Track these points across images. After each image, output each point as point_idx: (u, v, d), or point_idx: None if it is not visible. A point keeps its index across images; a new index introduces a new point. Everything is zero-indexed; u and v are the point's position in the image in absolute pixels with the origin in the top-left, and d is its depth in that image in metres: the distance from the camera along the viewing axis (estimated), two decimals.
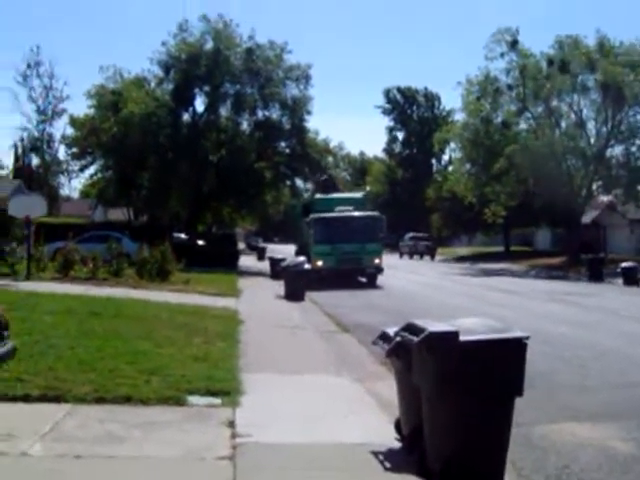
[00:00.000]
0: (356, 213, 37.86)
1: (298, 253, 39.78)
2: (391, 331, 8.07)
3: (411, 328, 7.25)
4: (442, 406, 6.80)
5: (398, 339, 7.50)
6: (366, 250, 35.96)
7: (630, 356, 14.95)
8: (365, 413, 9.83)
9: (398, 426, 8.34)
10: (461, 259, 75.58)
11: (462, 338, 6.66)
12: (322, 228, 36.43)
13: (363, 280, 37.02)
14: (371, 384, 11.76)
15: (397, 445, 8.10)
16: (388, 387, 11.24)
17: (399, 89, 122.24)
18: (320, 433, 8.61)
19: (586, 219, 65.28)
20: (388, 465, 7.46)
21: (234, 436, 8.23)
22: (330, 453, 7.86)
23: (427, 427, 7.03)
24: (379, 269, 36.40)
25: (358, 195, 48.24)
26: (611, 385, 12.04)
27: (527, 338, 6.84)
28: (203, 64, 54.41)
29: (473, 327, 6.97)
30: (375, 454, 7.77)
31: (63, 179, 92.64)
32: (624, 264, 38.65)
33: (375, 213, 39.72)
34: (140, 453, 7.56)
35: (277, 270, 34.80)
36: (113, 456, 7.41)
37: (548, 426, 9.26)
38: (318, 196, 44.54)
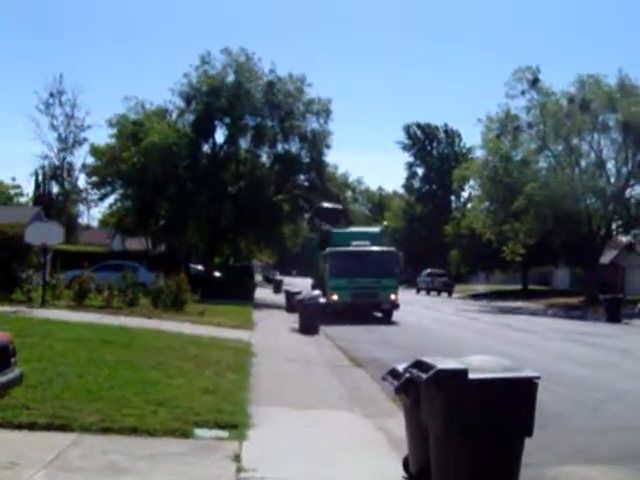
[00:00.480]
0: (373, 248, 37.35)
1: (315, 286, 39.32)
2: (401, 367, 7.97)
3: (420, 365, 7.16)
4: (449, 445, 6.69)
5: (407, 376, 7.41)
6: (382, 285, 35.58)
7: None
8: (374, 451, 9.70)
9: (406, 464, 8.22)
10: (478, 296, 75.25)
11: (471, 376, 6.55)
12: (338, 262, 36.02)
13: (379, 315, 36.55)
14: (382, 420, 11.63)
15: None
16: (398, 424, 11.06)
17: (419, 125, 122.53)
18: (327, 471, 8.49)
19: (605, 259, 64.95)
20: None
21: (239, 470, 8.12)
22: None
23: (434, 465, 6.92)
24: (395, 305, 36.01)
25: (375, 229, 47.59)
26: (625, 428, 11.84)
27: (538, 378, 6.73)
28: (224, 96, 54.62)
29: (483, 365, 6.86)
30: None
31: (82, 208, 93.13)
32: None
33: (392, 248, 39.14)
34: None
35: (292, 303, 34.67)
36: None
37: (559, 468, 9.09)
38: (335, 229, 43.29)
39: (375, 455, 9.42)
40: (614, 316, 40.17)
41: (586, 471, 9.06)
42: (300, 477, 8.12)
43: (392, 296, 35.80)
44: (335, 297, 35.21)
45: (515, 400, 6.69)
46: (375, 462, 9.04)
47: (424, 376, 6.75)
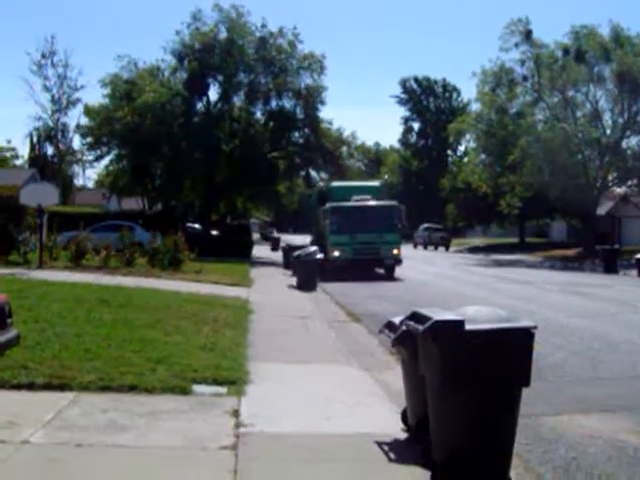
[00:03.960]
0: (374, 202, 36.39)
1: (314, 243, 37.85)
2: (397, 320, 7.98)
3: (417, 317, 7.14)
4: (447, 396, 6.68)
5: (404, 328, 7.40)
6: (384, 240, 34.76)
7: None
8: (372, 403, 9.73)
9: (404, 417, 8.26)
10: (475, 250, 75.32)
11: (468, 327, 6.53)
12: (339, 217, 35.21)
13: (381, 272, 36.06)
14: (379, 373, 11.69)
15: (403, 436, 8.03)
16: (396, 377, 11.14)
17: (416, 79, 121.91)
18: (325, 423, 8.53)
19: (601, 210, 64.94)
20: (392, 456, 7.36)
21: (238, 426, 8.16)
22: (334, 443, 7.77)
23: (432, 417, 6.92)
24: (398, 260, 35.28)
25: (376, 183, 46.56)
26: (622, 377, 11.90)
27: (534, 328, 6.70)
28: (217, 53, 54.30)
29: (479, 316, 6.83)
30: (380, 444, 7.68)
31: (78, 169, 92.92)
32: (638, 255, 38.39)
33: (394, 202, 38.05)
34: (142, 442, 7.49)
35: (290, 260, 34.43)
36: (115, 445, 7.36)
37: (557, 418, 9.13)
38: (335, 184, 42.79)
39: (373, 408, 9.45)
40: (611, 267, 40.25)
41: (583, 420, 9.09)
42: (298, 431, 8.13)
43: (395, 251, 35.11)
44: (336, 253, 34.60)
45: (512, 350, 6.65)
46: (373, 415, 9.07)
47: (420, 328, 6.73)
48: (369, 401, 9.83)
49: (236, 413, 8.65)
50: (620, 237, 66.33)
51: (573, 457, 7.66)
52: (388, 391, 10.38)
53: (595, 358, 13.47)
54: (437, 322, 6.58)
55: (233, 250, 46.26)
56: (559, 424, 8.88)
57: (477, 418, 6.64)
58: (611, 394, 10.71)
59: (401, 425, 8.27)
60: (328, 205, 36.17)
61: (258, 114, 59.19)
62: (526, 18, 58.99)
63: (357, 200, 36.08)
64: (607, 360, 13.34)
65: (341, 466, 7.11)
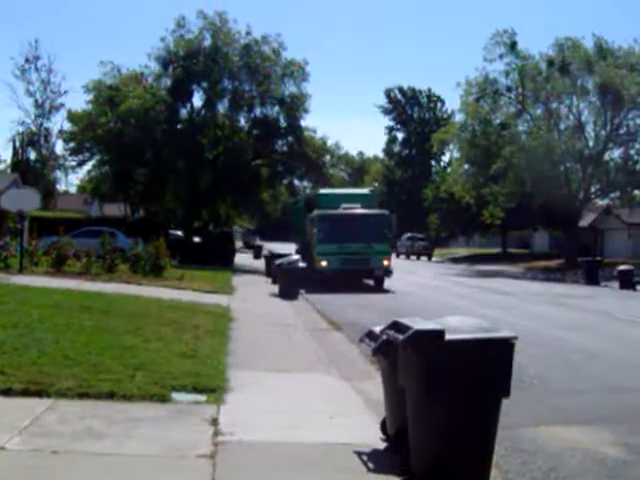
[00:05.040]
0: (364, 210, 34.79)
1: (299, 253, 36.91)
2: (378, 329, 7.96)
3: (397, 326, 7.11)
4: (426, 406, 6.66)
5: (384, 337, 7.38)
6: (374, 250, 33.30)
7: (623, 360, 14.85)
8: (352, 413, 9.69)
9: (384, 426, 8.23)
10: (458, 260, 75.48)
11: (448, 337, 6.52)
12: (327, 226, 33.49)
13: (369, 283, 34.74)
14: (360, 383, 11.64)
15: (382, 445, 7.99)
16: (376, 386, 11.07)
17: (400, 89, 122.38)
18: (305, 433, 8.47)
19: (583, 222, 65.25)
20: (371, 466, 7.32)
21: (217, 434, 8.09)
22: (313, 453, 7.72)
23: (411, 427, 6.90)
24: (388, 271, 33.87)
25: (365, 191, 44.28)
26: (603, 389, 11.90)
27: (515, 338, 6.70)
28: (201, 60, 54.32)
29: (460, 326, 6.83)
30: (359, 454, 7.64)
31: (60, 174, 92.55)
32: (620, 267, 38.64)
33: (384, 211, 36.48)
34: (119, 450, 7.41)
35: (272, 268, 34.18)
36: (91, 452, 7.27)
37: (536, 429, 9.12)
38: (322, 191, 40.83)
39: (353, 418, 9.41)
40: (593, 279, 40.42)
41: (563, 432, 9.07)
42: (278, 440, 8.07)
43: (385, 262, 33.73)
44: (324, 264, 33.16)
45: (492, 361, 6.65)
46: (353, 424, 9.03)
47: (401, 337, 6.71)
48: (349, 411, 9.79)
49: (215, 421, 8.58)
50: (602, 249, 66.65)
51: (552, 468, 7.63)
52: (368, 401, 10.33)
53: (576, 369, 13.49)
54: (417, 332, 6.57)
55: (215, 258, 46.10)
56: (539, 435, 8.86)
57: (456, 428, 6.63)
58: (592, 405, 10.71)
59: (381, 435, 8.23)
60: (315, 213, 34.73)
61: (242, 121, 59.46)
62: (511, 29, 59.18)
63: (346, 208, 34.66)
64: (588, 371, 13.37)
65: (320, 475, 7.06)
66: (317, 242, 33.62)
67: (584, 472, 7.59)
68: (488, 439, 6.78)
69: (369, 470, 7.23)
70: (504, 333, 6.80)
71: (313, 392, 10.90)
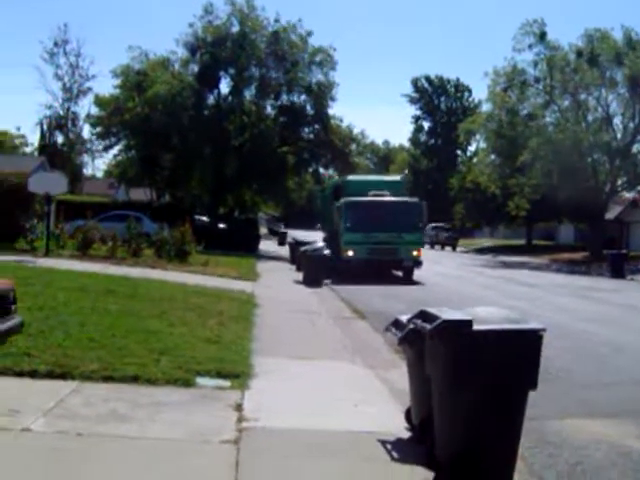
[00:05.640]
0: (393, 198, 33.14)
1: (326, 241, 34.83)
2: (404, 318, 7.89)
3: (424, 316, 7.05)
4: (452, 396, 6.60)
5: (411, 326, 7.32)
6: (404, 240, 31.71)
7: None
8: (376, 401, 9.65)
9: (408, 416, 8.18)
10: (483, 251, 75.16)
11: (476, 327, 6.45)
12: (354, 214, 31.98)
13: (398, 274, 33.22)
14: (384, 372, 11.60)
15: (407, 435, 7.95)
16: (401, 375, 11.03)
17: (427, 78, 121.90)
18: (329, 420, 8.43)
19: (609, 215, 64.75)
20: (395, 455, 7.28)
21: (240, 420, 8.08)
22: (337, 441, 7.68)
23: (437, 417, 6.84)
24: (418, 262, 32.25)
25: (396, 177, 43.06)
26: (629, 382, 11.81)
27: (543, 330, 6.62)
28: (229, 47, 54.43)
29: (488, 317, 6.75)
30: (383, 443, 7.59)
31: (87, 158, 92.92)
32: None
33: (415, 199, 34.75)
34: (143, 434, 7.41)
35: (296, 255, 34.05)
36: (116, 435, 7.27)
37: (562, 421, 9.04)
38: (351, 177, 39.81)
39: (377, 406, 9.37)
40: (618, 271, 40.08)
41: (589, 424, 9.00)
42: (301, 427, 8.04)
43: (415, 252, 32.14)
44: (350, 253, 31.64)
45: (520, 352, 6.57)
46: (377, 413, 8.99)
47: (428, 327, 6.65)
48: (373, 399, 9.75)
49: (239, 407, 8.57)
50: (628, 242, 66.12)
51: (577, 462, 7.57)
52: (393, 389, 10.30)
53: (602, 362, 13.40)
54: (445, 321, 6.50)
55: (240, 244, 46.16)
56: (564, 428, 8.78)
57: (482, 419, 6.57)
58: (618, 399, 10.61)
59: (405, 424, 8.19)
60: (343, 200, 33.07)
61: (268, 109, 59.59)
62: (541, 19, 58.67)
63: (375, 195, 32.97)
64: (614, 364, 13.27)
65: (343, 463, 7.02)
66: (344, 230, 32.15)
67: (610, 466, 7.51)
68: (514, 430, 6.71)
69: (393, 459, 7.19)
70: (532, 325, 6.72)
71: (337, 380, 10.87)
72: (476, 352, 6.47)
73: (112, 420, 7.72)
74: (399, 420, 8.34)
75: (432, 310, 7.00)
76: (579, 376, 12.08)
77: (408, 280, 31.58)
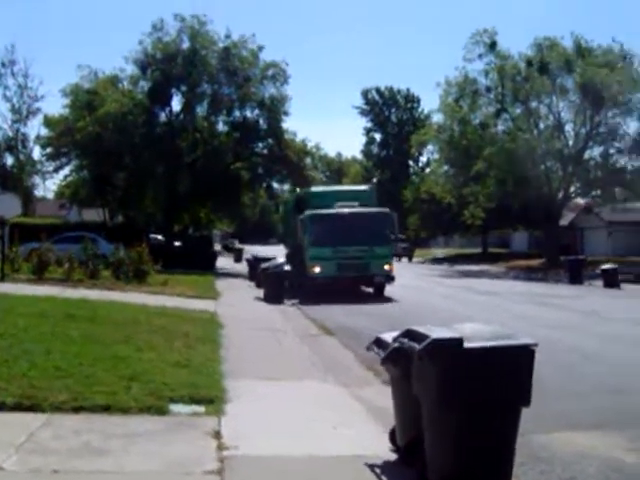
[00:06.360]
0: (362, 209, 30.76)
1: (290, 257, 33.49)
2: (387, 337, 7.69)
3: (411, 334, 6.84)
4: (445, 417, 6.40)
5: (396, 345, 7.10)
6: (375, 254, 29.77)
7: (618, 360, 14.64)
8: (355, 422, 9.41)
9: (393, 437, 7.96)
10: (439, 261, 75.50)
11: (467, 345, 6.26)
12: (320, 227, 29.88)
13: (369, 290, 31.43)
14: (359, 390, 11.39)
15: (392, 457, 7.73)
16: (376, 393, 10.93)
17: (378, 90, 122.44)
18: (311, 445, 8.18)
19: (563, 221, 65.32)
20: (385, 479, 7.04)
21: (221, 448, 7.79)
22: (323, 467, 7.45)
23: (428, 439, 6.63)
24: (390, 277, 30.27)
25: (364, 187, 39.56)
26: (603, 390, 11.68)
27: (535, 345, 6.47)
28: (179, 63, 54.11)
29: (477, 334, 6.58)
30: (371, 467, 7.38)
31: (38, 179, 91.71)
32: (604, 266, 38.45)
33: (385, 209, 31.90)
34: (120, 467, 7.09)
35: (255, 272, 33.64)
36: (91, 471, 6.95)
37: (547, 435, 8.85)
38: (315, 189, 37.84)
39: (357, 427, 9.13)
40: (576, 278, 40.27)
41: (575, 437, 8.83)
42: (284, 454, 7.78)
43: (386, 267, 30.14)
44: (317, 270, 29.51)
45: (512, 369, 6.42)
46: (358, 434, 8.76)
47: (417, 346, 6.44)
48: (352, 420, 9.51)
49: (217, 434, 8.27)
50: (582, 248, 66.71)
51: (571, 477, 7.39)
52: (370, 409, 10.08)
53: (573, 371, 13.30)
54: (435, 340, 6.30)
55: (197, 262, 45.75)
56: (550, 442, 8.61)
57: (475, 439, 6.40)
58: (597, 409, 10.48)
59: (389, 445, 7.96)
60: (307, 213, 30.81)
61: (221, 125, 59.32)
62: (492, 29, 59.16)
63: (341, 207, 30.78)
64: (586, 373, 13.17)
65: None
66: (309, 245, 30.15)
67: None
68: (508, 449, 6.55)
69: None
70: (524, 340, 6.55)
71: (313, 401, 10.63)
72: (467, 370, 6.30)
73: (86, 454, 7.40)
74: (382, 441, 8.15)
75: (419, 328, 6.81)
76: (553, 386, 11.87)
77: (379, 296, 29.86)
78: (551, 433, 8.98)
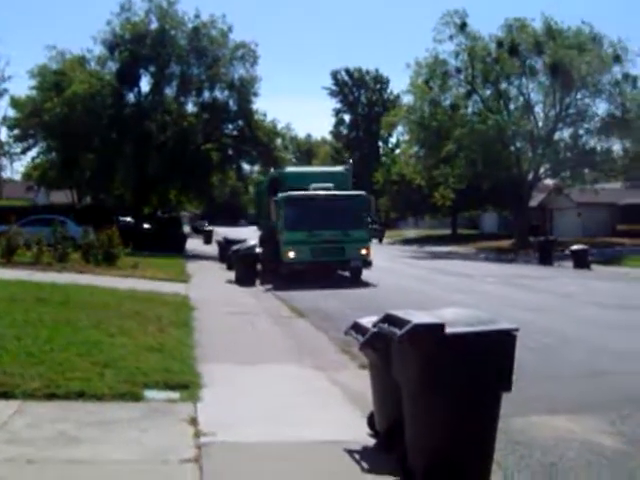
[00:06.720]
0: (338, 192, 29.81)
1: (263, 240, 32.51)
2: (364, 321, 7.63)
3: (390, 319, 6.74)
4: (426, 402, 6.33)
5: (375, 330, 7.01)
6: (351, 238, 28.80)
7: (594, 342, 14.64)
8: (332, 406, 9.34)
9: (372, 422, 7.91)
10: (409, 242, 75.57)
11: (448, 330, 6.18)
12: (295, 210, 28.79)
13: (345, 274, 30.45)
14: (335, 373, 11.30)
15: (371, 442, 7.67)
16: (354, 377, 10.88)
17: (347, 71, 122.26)
18: (288, 430, 8.08)
19: (533, 202, 65.61)
20: (365, 465, 6.97)
21: (197, 435, 7.68)
22: (302, 453, 7.36)
23: (409, 425, 6.56)
24: (367, 262, 29.45)
25: (339, 168, 37.45)
26: (581, 374, 11.65)
27: (516, 330, 6.40)
28: (148, 44, 53.68)
29: (457, 318, 6.49)
30: (350, 452, 7.30)
31: (5, 161, 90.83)
32: (574, 247, 38.64)
33: (362, 192, 31.09)
34: (97, 456, 6.96)
35: (226, 254, 33.40)
36: (68, 460, 6.82)
37: (525, 419, 8.79)
38: (289, 170, 36.73)
39: (335, 412, 9.05)
40: (546, 259, 40.46)
41: (553, 421, 8.79)
42: (262, 440, 7.68)
43: (363, 251, 29.24)
44: (292, 254, 28.50)
45: (493, 354, 6.35)
46: (336, 419, 8.68)
47: (398, 331, 6.34)
48: (329, 404, 9.45)
49: (194, 421, 8.16)
50: (552, 229, 67.08)
51: (552, 462, 7.34)
52: (347, 392, 10.00)
53: (550, 354, 13.28)
54: (417, 325, 6.19)
55: (166, 244, 45.60)
56: (529, 426, 8.56)
57: (456, 425, 6.33)
58: (575, 392, 10.47)
59: (367, 430, 7.90)
60: (281, 195, 29.67)
61: (190, 105, 58.92)
62: (462, 10, 59.08)
63: (316, 189, 29.73)
64: (562, 356, 13.16)
65: (316, 478, 6.71)
66: (283, 229, 29.00)
67: (586, 465, 7.29)
68: (490, 434, 6.49)
69: (363, 470, 6.89)
70: (504, 325, 6.48)
71: (288, 385, 10.53)
72: (449, 356, 6.21)
73: (62, 443, 7.26)
74: (360, 426, 8.09)
75: (398, 313, 6.69)
76: (530, 369, 11.83)
77: (356, 281, 28.89)
78: (529, 417, 8.93)
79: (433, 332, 6.18)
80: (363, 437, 7.78)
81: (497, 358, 6.38)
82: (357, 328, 7.76)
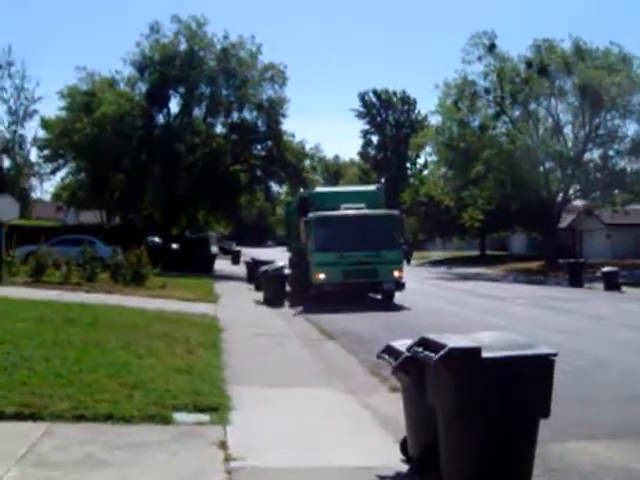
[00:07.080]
0: (369, 211, 28.84)
1: (293, 261, 32.07)
2: (398, 344, 7.47)
3: (425, 343, 6.60)
4: (461, 427, 6.19)
5: (409, 354, 6.86)
6: (383, 259, 27.74)
7: (627, 365, 14.38)
8: (364, 431, 9.19)
9: (404, 447, 7.74)
10: (437, 263, 75.25)
11: (484, 354, 6.03)
12: (326, 230, 27.87)
13: (377, 297, 29.49)
14: (366, 397, 11.15)
15: (404, 468, 7.50)
16: (385, 401, 10.72)
17: (375, 92, 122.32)
18: (320, 455, 7.96)
19: (562, 224, 65.16)
20: None
21: (227, 459, 7.55)
22: (334, 479, 7.22)
23: (444, 451, 6.41)
24: (400, 284, 28.30)
25: (371, 188, 36.50)
26: (617, 398, 11.41)
27: (554, 355, 6.24)
28: (177, 65, 53.98)
29: (494, 342, 6.34)
30: (382, 479, 7.15)
31: (35, 181, 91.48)
32: (605, 269, 38.31)
33: (394, 211, 30.71)
34: (126, 479, 6.87)
35: (254, 274, 33.31)
36: None
37: (563, 445, 8.60)
38: (320, 189, 35.95)
39: (366, 437, 8.91)
40: (576, 281, 40.08)
41: (592, 447, 8.59)
42: (292, 465, 7.55)
43: (396, 273, 28.06)
44: (322, 276, 27.53)
45: (531, 379, 6.19)
46: (368, 444, 8.54)
47: (434, 355, 6.20)
48: (360, 429, 9.29)
49: (223, 445, 8.03)
50: (581, 250, 66.53)
51: None
52: (378, 416, 9.86)
53: (585, 378, 13.02)
54: (453, 349, 6.05)
55: (195, 264, 45.56)
56: (567, 452, 8.37)
57: (492, 450, 6.19)
58: (614, 418, 10.21)
59: (400, 456, 7.74)
60: (312, 215, 28.68)
61: (219, 126, 59.09)
62: (491, 31, 59.07)
63: (347, 208, 28.92)
64: (598, 380, 12.93)
65: None
66: (314, 250, 28.03)
67: None
68: (527, 460, 6.33)
69: None
70: (543, 349, 6.32)
71: (319, 408, 10.39)
72: (485, 380, 6.06)
73: (90, 466, 7.16)
74: (392, 450, 7.95)
75: (434, 337, 6.56)
76: (565, 393, 11.55)
77: (389, 304, 27.78)
78: (567, 443, 8.73)
79: (469, 356, 6.04)
80: (395, 462, 7.62)
81: (535, 383, 6.22)
82: (390, 351, 7.61)
